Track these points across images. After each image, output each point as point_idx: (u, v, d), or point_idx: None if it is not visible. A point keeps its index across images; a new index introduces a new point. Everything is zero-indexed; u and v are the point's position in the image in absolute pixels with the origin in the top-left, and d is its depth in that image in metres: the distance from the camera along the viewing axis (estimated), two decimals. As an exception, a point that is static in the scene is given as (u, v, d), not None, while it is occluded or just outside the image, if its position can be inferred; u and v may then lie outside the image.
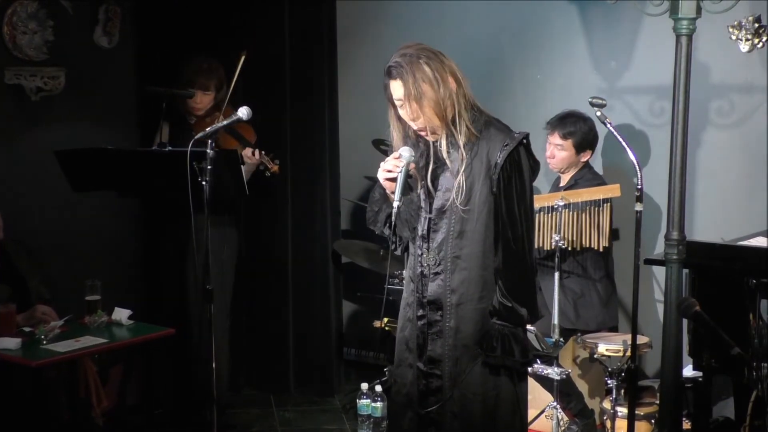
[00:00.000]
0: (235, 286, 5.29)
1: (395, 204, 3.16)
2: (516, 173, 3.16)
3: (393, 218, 3.23)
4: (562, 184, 4.97)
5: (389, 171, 3.20)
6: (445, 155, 3.21)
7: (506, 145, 3.15)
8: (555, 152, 4.88)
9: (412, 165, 3.22)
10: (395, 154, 3.21)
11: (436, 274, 3.25)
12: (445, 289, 3.24)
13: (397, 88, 3.15)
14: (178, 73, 5.13)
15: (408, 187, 3.25)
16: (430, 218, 3.25)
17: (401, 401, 3.38)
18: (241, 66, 5.00)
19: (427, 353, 3.28)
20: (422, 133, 3.22)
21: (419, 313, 3.30)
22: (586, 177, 4.90)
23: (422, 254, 3.28)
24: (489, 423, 3.25)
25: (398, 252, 3.45)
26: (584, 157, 4.91)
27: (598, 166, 5.19)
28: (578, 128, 4.83)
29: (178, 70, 5.16)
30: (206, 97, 5.08)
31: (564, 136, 4.84)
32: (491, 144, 3.17)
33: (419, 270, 3.29)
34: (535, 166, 3.24)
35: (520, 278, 3.20)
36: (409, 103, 3.14)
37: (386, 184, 3.24)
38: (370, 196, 3.40)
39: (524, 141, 3.18)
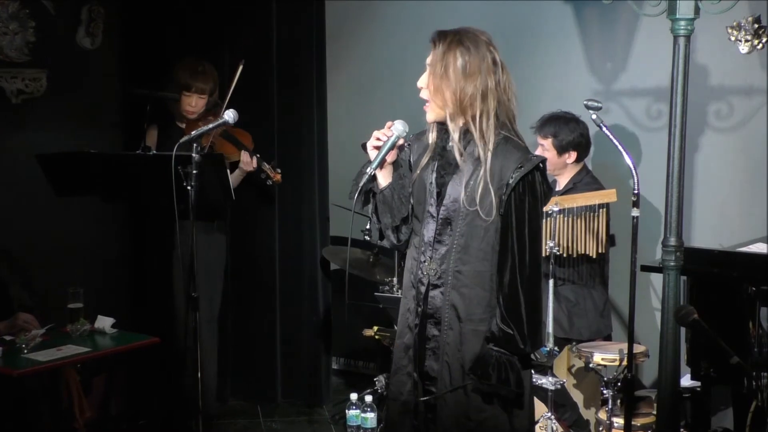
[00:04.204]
0: (223, 293, 5.23)
1: (368, 170, 3.12)
2: (530, 196, 3.06)
3: (361, 183, 3.15)
4: (559, 188, 4.90)
5: (378, 139, 3.14)
6: (457, 156, 3.11)
7: (521, 166, 3.05)
8: (538, 152, 4.81)
9: (402, 140, 3.16)
10: (388, 124, 3.16)
11: (436, 286, 3.15)
12: (444, 304, 3.13)
13: (431, 53, 3.13)
14: (167, 75, 5.07)
15: (396, 163, 3.20)
16: (436, 226, 3.14)
17: (399, 409, 3.27)
18: (239, 75, 4.95)
19: (424, 368, 3.18)
20: (426, 108, 3.15)
21: (416, 322, 3.20)
22: (584, 181, 4.85)
23: (425, 261, 3.17)
24: None
25: (372, 238, 3.30)
26: (569, 159, 4.84)
27: (593, 170, 5.12)
28: (560, 129, 4.80)
29: (166, 71, 5.11)
30: (201, 100, 5.06)
31: (544, 136, 4.82)
32: (505, 162, 3.06)
33: (419, 277, 3.19)
34: (548, 192, 3.14)
35: (526, 305, 3.05)
36: (429, 74, 3.11)
37: (373, 153, 3.16)
38: (360, 170, 3.28)
39: (540, 165, 3.09)
